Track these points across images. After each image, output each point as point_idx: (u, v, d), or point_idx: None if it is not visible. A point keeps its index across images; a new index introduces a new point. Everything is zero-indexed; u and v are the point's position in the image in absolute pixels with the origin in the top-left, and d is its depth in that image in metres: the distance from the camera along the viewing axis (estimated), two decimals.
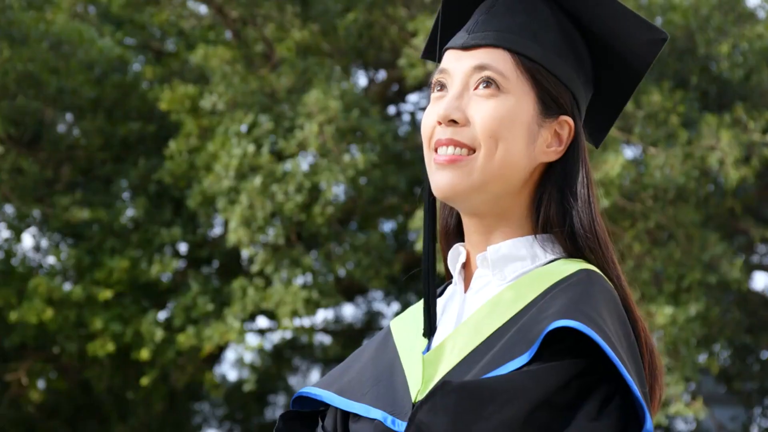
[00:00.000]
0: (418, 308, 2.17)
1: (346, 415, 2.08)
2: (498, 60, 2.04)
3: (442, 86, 2.08)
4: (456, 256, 2.12)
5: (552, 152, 2.06)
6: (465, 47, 2.07)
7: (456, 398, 1.83)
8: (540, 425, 1.83)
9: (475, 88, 2.04)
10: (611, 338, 1.87)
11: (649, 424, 1.85)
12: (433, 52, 2.18)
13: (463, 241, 2.13)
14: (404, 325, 2.16)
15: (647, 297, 11.57)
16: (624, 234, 11.67)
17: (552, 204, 2.05)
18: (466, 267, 2.11)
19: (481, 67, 2.04)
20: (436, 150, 2.04)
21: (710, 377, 14.57)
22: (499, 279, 2.04)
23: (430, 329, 2.05)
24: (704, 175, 11.83)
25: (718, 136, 11.43)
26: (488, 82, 2.03)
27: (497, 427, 1.82)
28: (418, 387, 1.98)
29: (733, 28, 12.21)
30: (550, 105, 2.05)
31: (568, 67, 2.07)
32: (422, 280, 2.08)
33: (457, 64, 2.07)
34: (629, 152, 12.75)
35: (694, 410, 11.74)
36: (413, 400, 1.96)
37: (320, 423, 2.14)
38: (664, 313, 11.17)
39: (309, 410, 2.17)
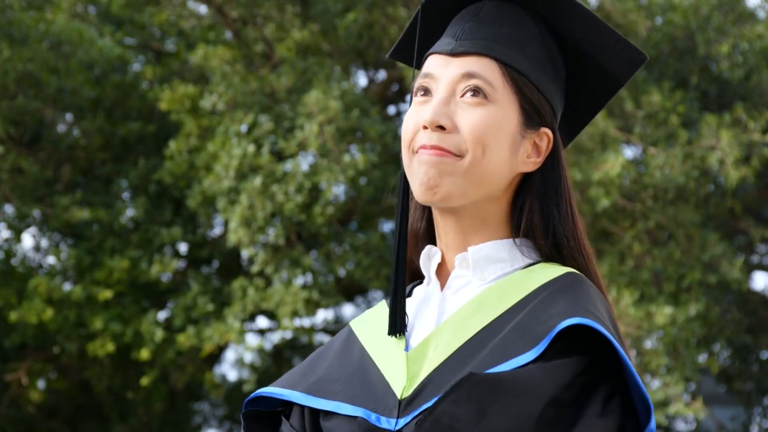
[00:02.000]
0: (381, 309, 2.19)
1: (316, 414, 2.09)
2: (486, 69, 2.05)
3: (426, 91, 2.09)
4: (428, 256, 2.14)
5: (531, 163, 2.09)
6: (453, 53, 2.07)
7: (481, 390, 1.86)
8: (549, 421, 1.87)
9: (462, 96, 2.05)
10: (615, 337, 1.92)
11: (653, 423, 1.89)
12: (403, 54, 2.19)
13: (431, 243, 2.15)
14: (369, 326, 2.17)
15: (647, 297, 11.57)
16: (624, 234, 11.67)
17: (534, 214, 2.07)
18: (440, 267, 2.13)
19: (469, 75, 2.05)
20: (418, 153, 2.05)
21: (710, 377, 14.57)
22: (479, 279, 2.07)
23: (398, 328, 2.06)
24: (704, 175, 11.83)
25: (718, 136, 11.44)
26: (476, 91, 2.04)
27: (514, 419, 1.86)
28: (402, 384, 1.99)
29: (733, 28, 12.21)
30: (532, 116, 2.07)
31: (548, 79, 2.10)
32: (391, 281, 2.10)
33: (444, 70, 2.07)
34: (629, 152, 12.77)
35: (694, 410, 11.74)
36: (399, 397, 1.98)
37: (285, 422, 2.14)
38: (664, 313, 11.16)
39: (267, 410, 2.18)
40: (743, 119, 11.72)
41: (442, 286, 2.11)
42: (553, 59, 2.11)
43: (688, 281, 11.56)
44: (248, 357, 16.23)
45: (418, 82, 2.10)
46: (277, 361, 17.12)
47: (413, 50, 2.15)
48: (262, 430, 2.17)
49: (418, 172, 2.04)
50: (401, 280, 2.09)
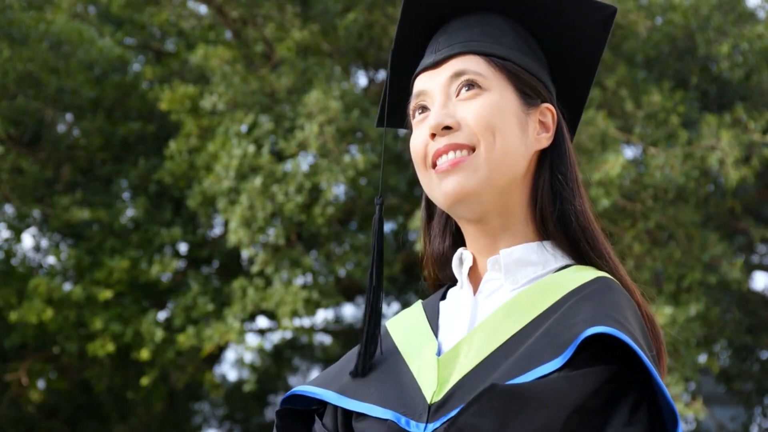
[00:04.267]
0: (416, 311, 2.20)
1: (348, 415, 2.10)
2: (472, 63, 2.09)
3: (424, 108, 2.12)
4: (461, 260, 2.15)
5: (543, 139, 2.12)
6: (436, 63, 2.12)
7: (503, 401, 1.86)
8: (573, 430, 1.87)
9: (458, 95, 2.09)
10: (642, 345, 1.92)
11: (681, 430, 1.88)
12: (387, 119, 2.20)
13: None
14: (403, 327, 2.18)
15: (647, 297, 11.55)
16: (624, 234, 11.66)
17: (545, 186, 2.10)
18: (472, 270, 2.14)
19: (458, 74, 2.09)
20: (434, 165, 2.07)
21: (710, 377, 14.57)
22: (511, 283, 2.08)
23: (360, 371, 2.08)
24: (704, 175, 11.82)
25: (718, 136, 11.43)
26: (470, 85, 2.08)
27: (536, 429, 1.85)
28: (433, 388, 1.99)
29: (733, 28, 12.20)
30: (529, 94, 2.11)
31: (532, 62, 2.13)
32: (363, 326, 2.11)
33: (432, 81, 2.12)
34: (629, 152, 12.76)
35: (694, 410, 11.74)
36: (429, 402, 1.98)
37: (318, 421, 2.14)
38: (664, 313, 11.16)
39: (302, 408, 2.18)
40: (743, 119, 11.71)
41: (475, 290, 2.12)
42: (531, 46, 2.15)
43: (688, 281, 11.55)
44: (248, 357, 16.25)
45: (413, 103, 2.14)
46: (277, 361, 17.13)
47: (395, 109, 2.19)
48: (297, 428, 2.17)
49: (440, 185, 2.06)
50: (375, 324, 2.10)
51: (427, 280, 2.25)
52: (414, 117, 2.13)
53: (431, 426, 1.95)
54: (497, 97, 2.07)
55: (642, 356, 1.87)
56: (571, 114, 2.23)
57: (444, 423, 1.92)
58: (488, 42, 2.10)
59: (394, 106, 2.21)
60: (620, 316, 1.93)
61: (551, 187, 2.09)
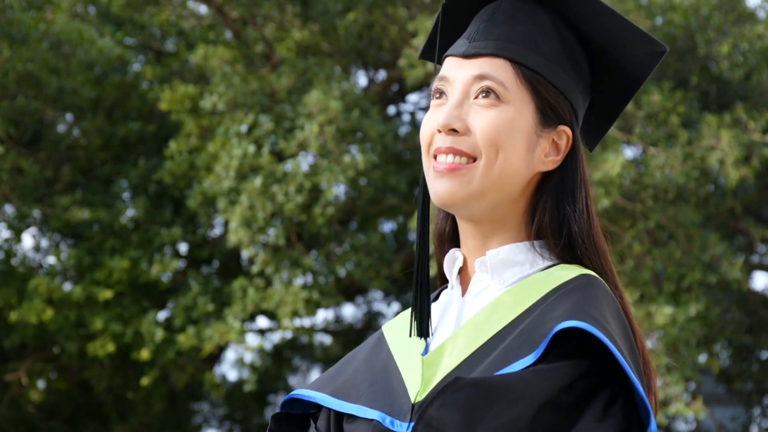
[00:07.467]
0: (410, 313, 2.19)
1: (340, 417, 2.10)
2: (498, 70, 2.05)
3: (442, 93, 2.09)
4: (452, 260, 2.14)
5: (550, 162, 2.08)
6: (466, 55, 2.08)
7: (467, 394, 1.85)
8: (546, 425, 1.85)
9: (476, 98, 2.05)
10: (616, 340, 1.90)
11: (654, 425, 1.87)
12: (431, 53, 2.18)
13: (458, 245, 2.15)
14: (397, 329, 2.17)
15: (647, 297, 11.56)
16: (624, 234, 11.67)
17: (546, 213, 2.07)
18: (463, 271, 2.13)
19: (481, 77, 2.05)
20: (435, 157, 2.05)
21: (710, 377, 14.57)
22: (498, 283, 2.07)
23: (423, 330, 2.06)
24: (704, 175, 11.82)
25: (718, 136, 11.43)
26: (488, 92, 2.04)
27: (506, 423, 1.84)
28: (417, 388, 2.00)
29: (733, 28, 12.21)
30: (549, 115, 2.07)
31: (567, 76, 2.08)
32: (414, 283, 2.09)
33: (457, 72, 2.08)
34: (629, 152, 12.76)
35: (694, 410, 11.74)
36: (413, 401, 1.98)
37: (312, 424, 2.15)
38: (664, 313, 11.16)
39: (300, 412, 2.19)
40: (743, 119, 11.71)
41: (464, 291, 2.11)
42: (573, 56, 2.10)
43: (688, 281, 11.55)
44: (248, 357, 16.23)
45: (435, 85, 2.11)
46: (277, 361, 17.13)
47: (435, 50, 2.15)
48: (294, 431, 2.17)
49: (433, 183, 2.05)
50: (424, 282, 2.09)
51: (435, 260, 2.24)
52: (433, 98, 2.11)
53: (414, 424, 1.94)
54: (512, 113, 2.03)
55: (613, 350, 1.85)
56: (596, 129, 2.20)
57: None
58: (525, 48, 2.05)
59: (434, 42, 2.17)
60: (596, 312, 1.91)
61: (555, 213, 2.06)
